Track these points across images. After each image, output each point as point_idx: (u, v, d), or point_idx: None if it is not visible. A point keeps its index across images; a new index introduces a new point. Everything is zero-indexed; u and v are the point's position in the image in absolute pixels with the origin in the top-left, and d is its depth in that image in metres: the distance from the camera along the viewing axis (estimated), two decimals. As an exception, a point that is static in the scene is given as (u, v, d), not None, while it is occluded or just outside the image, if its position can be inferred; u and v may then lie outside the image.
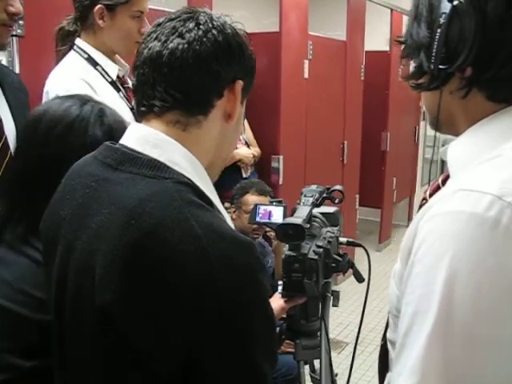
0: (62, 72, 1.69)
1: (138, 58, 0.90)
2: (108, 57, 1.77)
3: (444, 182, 0.89)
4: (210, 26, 0.87)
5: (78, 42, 1.73)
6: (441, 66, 0.79)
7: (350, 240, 1.51)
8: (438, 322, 0.66)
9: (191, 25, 0.86)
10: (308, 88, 3.77)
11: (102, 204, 0.81)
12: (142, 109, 0.89)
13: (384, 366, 0.96)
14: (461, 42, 0.76)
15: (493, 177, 0.70)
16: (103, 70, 1.73)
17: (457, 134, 0.86)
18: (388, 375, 0.88)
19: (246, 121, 3.60)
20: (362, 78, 4.67)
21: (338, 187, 1.53)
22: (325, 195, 1.52)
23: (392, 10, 5.02)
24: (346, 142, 4.48)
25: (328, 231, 1.45)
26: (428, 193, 0.93)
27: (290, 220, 1.31)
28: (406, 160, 6.12)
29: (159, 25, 0.89)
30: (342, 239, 1.48)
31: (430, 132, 5.99)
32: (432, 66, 0.80)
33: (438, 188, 0.90)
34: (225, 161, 0.98)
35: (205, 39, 0.85)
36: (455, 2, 0.76)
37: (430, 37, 0.80)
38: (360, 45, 4.53)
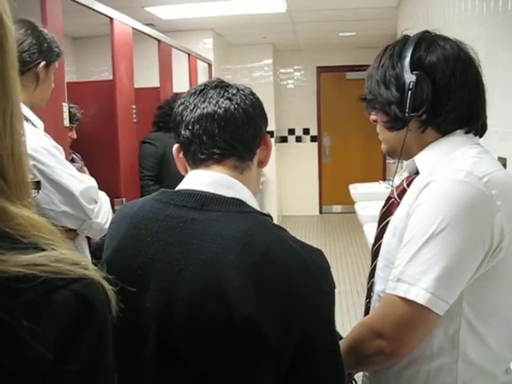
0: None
1: (183, 116, 1.08)
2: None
3: (409, 184, 1.26)
4: (247, 91, 1.11)
5: None
6: (412, 114, 1.19)
7: None
8: None
9: (234, 91, 1.09)
10: (137, 132, 3.96)
11: (203, 239, 0.97)
12: (202, 156, 1.07)
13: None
14: (421, 99, 1.18)
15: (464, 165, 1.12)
16: (33, 124, 1.77)
17: (408, 158, 1.27)
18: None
19: (86, 169, 3.61)
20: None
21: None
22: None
23: (189, 54, 5.48)
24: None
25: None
26: (396, 193, 1.30)
27: None
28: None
29: (201, 91, 1.09)
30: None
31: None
32: (406, 115, 1.20)
33: (404, 189, 1.27)
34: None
35: (247, 101, 1.09)
36: (415, 73, 1.18)
37: (401, 96, 1.20)
38: (170, 89, 4.85)
